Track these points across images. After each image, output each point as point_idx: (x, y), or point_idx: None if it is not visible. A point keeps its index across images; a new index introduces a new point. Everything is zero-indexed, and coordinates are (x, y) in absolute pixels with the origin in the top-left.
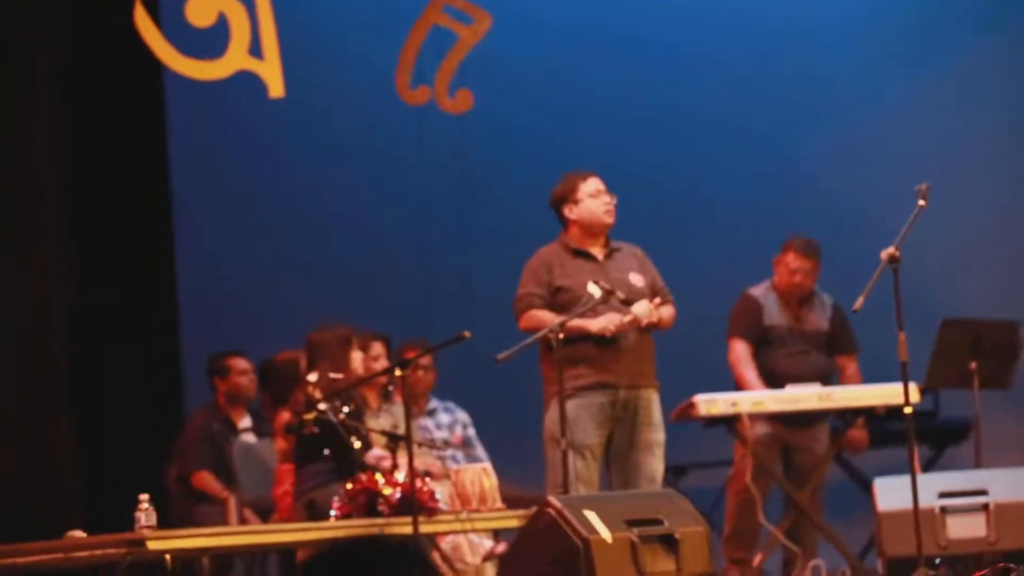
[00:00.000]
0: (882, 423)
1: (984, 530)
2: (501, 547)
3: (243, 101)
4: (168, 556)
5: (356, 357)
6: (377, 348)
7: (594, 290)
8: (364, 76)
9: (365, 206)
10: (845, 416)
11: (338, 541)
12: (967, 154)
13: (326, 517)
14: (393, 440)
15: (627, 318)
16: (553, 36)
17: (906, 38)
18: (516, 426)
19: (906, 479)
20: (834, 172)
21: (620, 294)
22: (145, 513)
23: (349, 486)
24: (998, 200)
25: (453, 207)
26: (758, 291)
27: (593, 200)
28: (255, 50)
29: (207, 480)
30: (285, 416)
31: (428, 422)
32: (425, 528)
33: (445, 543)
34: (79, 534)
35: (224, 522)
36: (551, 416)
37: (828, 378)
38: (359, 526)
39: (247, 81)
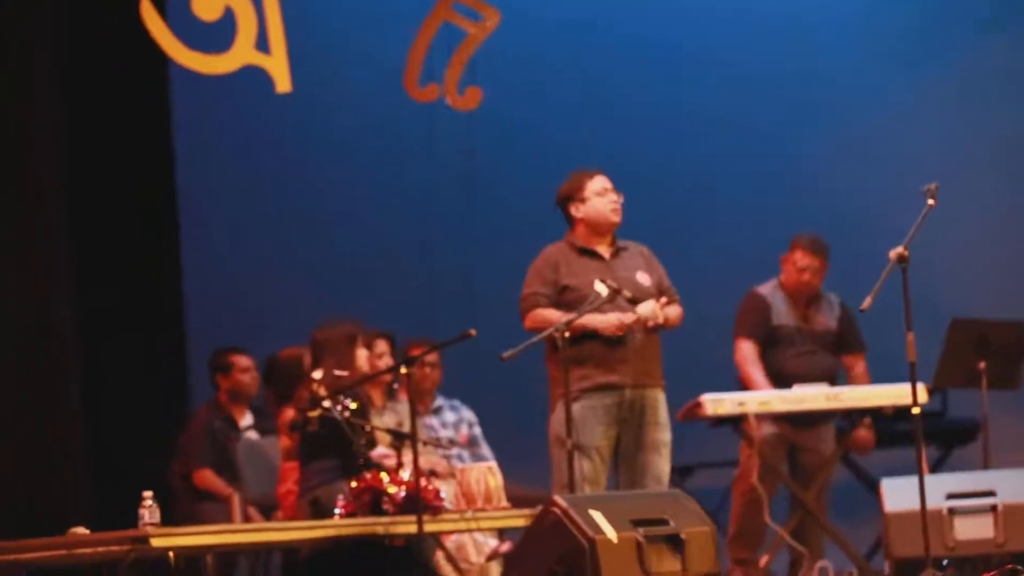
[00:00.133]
0: (890, 423)
1: (992, 531)
2: (506, 546)
3: (249, 96)
4: (172, 553)
5: (361, 355)
6: (382, 346)
7: (601, 289)
8: (371, 72)
9: (371, 203)
10: (851, 416)
11: (339, 540)
12: (968, 153)
13: (330, 515)
14: (398, 438)
15: (631, 318)
16: (561, 34)
17: (907, 37)
18: (521, 425)
19: (914, 480)
20: (837, 171)
21: (627, 293)
22: (149, 510)
23: (354, 484)
24: (1002, 199)
25: (459, 205)
26: (765, 289)
27: (600, 198)
28: (262, 44)
29: (209, 478)
30: (289, 413)
31: (433, 420)
32: (430, 527)
33: (450, 542)
34: (82, 531)
35: (228, 520)
36: (557, 417)
37: (835, 378)
38: (364, 524)
39: (254, 76)
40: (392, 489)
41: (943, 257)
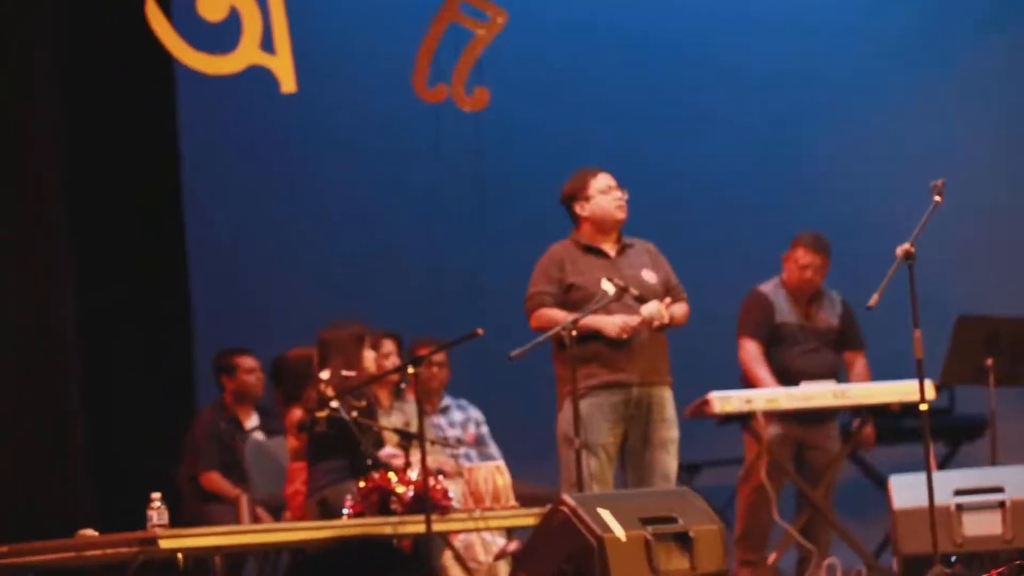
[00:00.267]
0: (897, 420)
1: (1000, 527)
2: (514, 545)
3: (255, 96)
4: (180, 555)
5: (368, 356)
6: (388, 346)
7: (608, 287)
8: (377, 71)
9: (378, 203)
10: (861, 413)
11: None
12: (971, 150)
13: (339, 515)
14: (406, 438)
15: (636, 320)
16: (568, 34)
17: (907, 37)
18: (529, 424)
19: (921, 476)
20: (842, 169)
21: (634, 291)
22: (157, 512)
23: (362, 484)
24: (1008, 196)
25: (467, 205)
26: (767, 288)
27: (604, 196)
28: (267, 45)
29: (216, 480)
30: (297, 414)
31: (441, 420)
32: (438, 526)
33: (458, 541)
34: (91, 533)
35: (236, 520)
36: (564, 415)
37: (838, 375)
38: (372, 524)
39: (259, 76)
40: (400, 489)
41: (950, 254)
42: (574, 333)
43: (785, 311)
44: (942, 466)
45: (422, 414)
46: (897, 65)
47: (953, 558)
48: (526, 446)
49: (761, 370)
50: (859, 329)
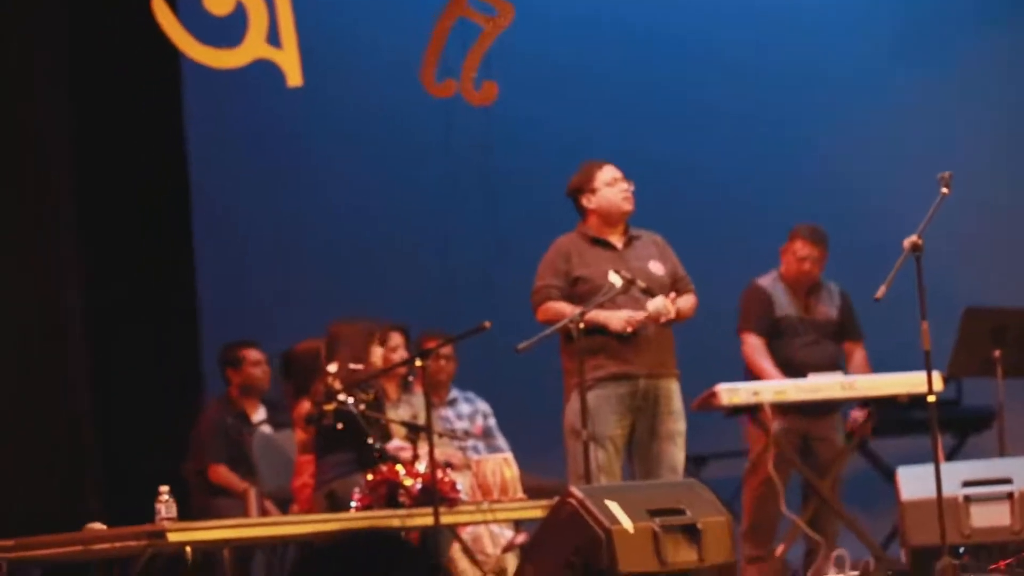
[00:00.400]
0: (905, 412)
1: (1008, 519)
2: (522, 538)
3: (262, 90)
4: (188, 548)
5: (377, 352)
6: (396, 339)
7: (615, 280)
8: (384, 64)
9: (388, 198)
10: (869, 405)
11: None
12: (970, 149)
13: (346, 508)
14: (413, 431)
15: (641, 315)
16: (573, 29)
17: (907, 34)
18: (537, 416)
19: (930, 468)
20: (845, 165)
21: (641, 283)
22: (165, 505)
23: (370, 477)
24: (1008, 194)
25: (477, 200)
26: (766, 281)
27: (610, 188)
28: (273, 38)
29: (224, 474)
30: (306, 406)
31: (449, 412)
32: (446, 519)
33: (466, 534)
34: (99, 526)
35: (244, 514)
36: (571, 407)
37: (838, 367)
38: (379, 517)
39: (265, 70)
40: (408, 481)
41: (955, 247)
42: (581, 326)
43: (784, 304)
44: (950, 458)
45: (429, 407)
46: (898, 62)
47: (961, 549)
48: (534, 438)
49: (766, 363)
50: (858, 320)
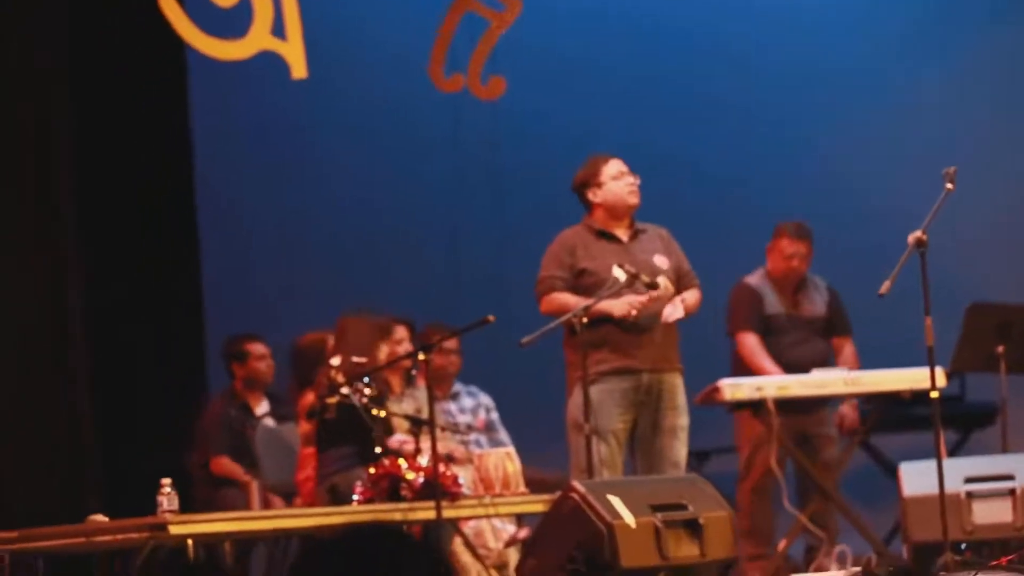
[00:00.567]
0: (908, 408)
1: (1011, 515)
2: (524, 532)
3: (267, 82)
4: (190, 541)
5: (383, 350)
6: (400, 332)
7: (619, 274)
8: (390, 58)
9: (395, 192)
10: (871, 401)
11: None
12: (971, 147)
13: (349, 502)
14: (416, 424)
15: (643, 298)
16: (579, 23)
17: (909, 32)
18: (540, 410)
19: (932, 464)
20: (845, 164)
21: (645, 278)
22: (167, 497)
23: (372, 471)
24: (1009, 192)
25: (484, 195)
26: (754, 280)
27: (616, 182)
28: (278, 30)
29: (227, 465)
30: (309, 399)
31: (451, 406)
32: (448, 513)
33: (468, 528)
34: (101, 519)
35: (247, 506)
36: (574, 401)
37: (828, 363)
38: (382, 511)
39: (270, 62)
40: (410, 475)
41: (958, 244)
42: (584, 320)
43: (773, 302)
44: (952, 453)
45: (432, 400)
46: (899, 61)
47: (963, 545)
48: (536, 432)
49: (765, 360)
50: (846, 315)
